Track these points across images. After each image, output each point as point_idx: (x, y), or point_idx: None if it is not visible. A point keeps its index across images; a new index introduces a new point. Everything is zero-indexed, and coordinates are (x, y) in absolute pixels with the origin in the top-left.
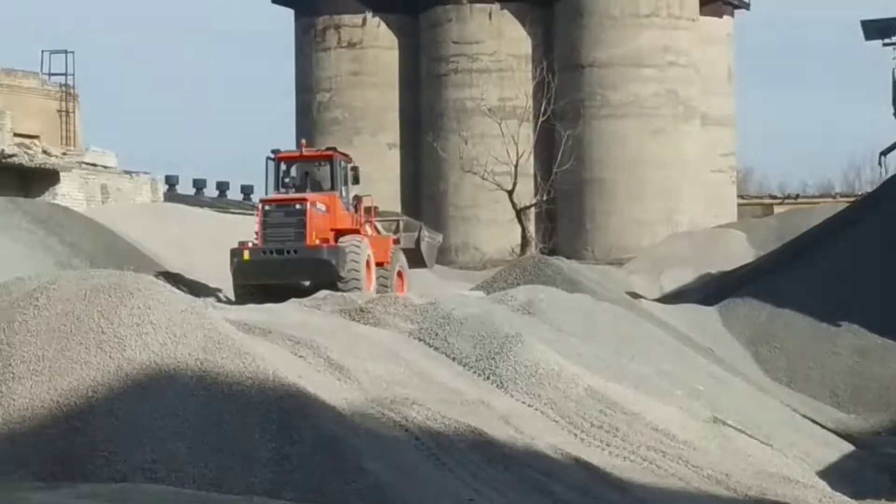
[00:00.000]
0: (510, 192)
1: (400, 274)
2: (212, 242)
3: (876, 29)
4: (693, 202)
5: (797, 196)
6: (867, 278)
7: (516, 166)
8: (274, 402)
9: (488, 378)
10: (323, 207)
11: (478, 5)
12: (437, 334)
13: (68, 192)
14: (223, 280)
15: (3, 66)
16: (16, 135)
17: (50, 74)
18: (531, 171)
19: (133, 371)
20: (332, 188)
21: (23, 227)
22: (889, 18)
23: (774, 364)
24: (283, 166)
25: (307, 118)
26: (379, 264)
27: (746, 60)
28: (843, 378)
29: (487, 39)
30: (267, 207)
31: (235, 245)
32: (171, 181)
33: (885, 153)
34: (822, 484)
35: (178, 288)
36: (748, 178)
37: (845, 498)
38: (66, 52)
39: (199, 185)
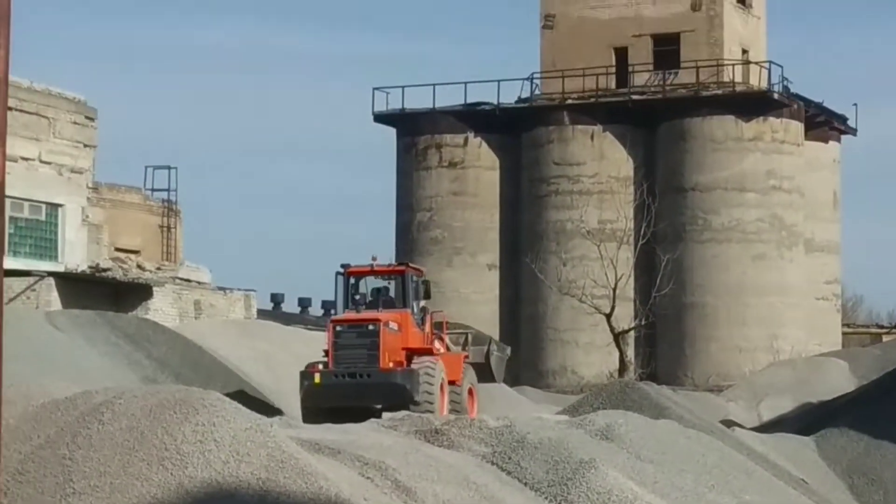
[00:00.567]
0: (608, 316)
1: (470, 391)
2: (298, 359)
3: None
4: (795, 329)
5: None
6: None
7: (615, 289)
8: None
9: None
10: (395, 326)
11: (580, 127)
12: (509, 458)
13: (161, 308)
14: None
15: (107, 181)
16: (117, 249)
17: (153, 190)
18: (630, 294)
19: (194, 489)
20: (404, 305)
21: (110, 342)
22: None
23: (871, 497)
24: (352, 281)
25: (407, 237)
26: (451, 382)
27: (853, 186)
28: None
29: (589, 161)
30: (338, 328)
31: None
32: (276, 299)
33: None
34: None
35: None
36: (857, 306)
37: None
38: (168, 167)
39: (304, 303)
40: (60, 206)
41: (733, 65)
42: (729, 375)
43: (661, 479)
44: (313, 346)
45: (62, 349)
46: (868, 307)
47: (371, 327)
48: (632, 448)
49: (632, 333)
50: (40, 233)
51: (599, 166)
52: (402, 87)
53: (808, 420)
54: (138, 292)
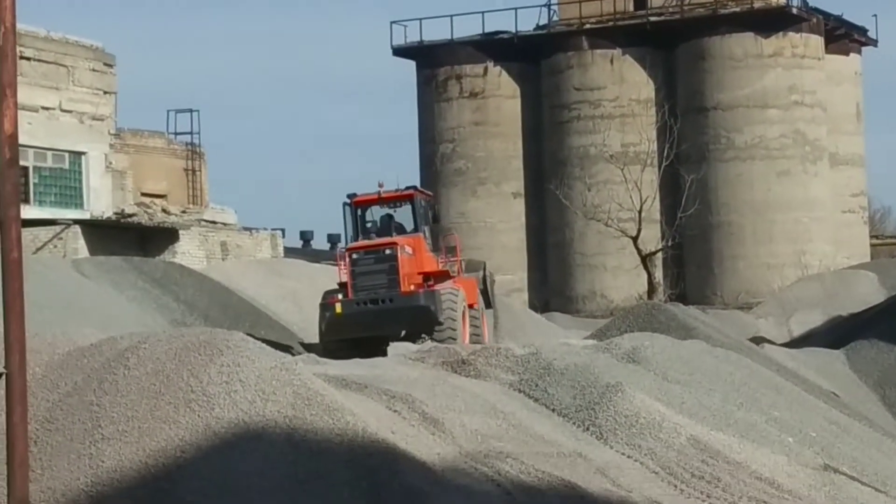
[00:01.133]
0: (635, 239)
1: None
2: None
3: None
4: (823, 244)
5: None
6: None
7: (640, 212)
8: (363, 459)
9: (588, 429)
10: (410, 251)
11: (599, 51)
12: (536, 385)
13: (188, 251)
14: None
15: (130, 126)
16: (143, 194)
17: (176, 134)
18: (656, 216)
19: (221, 430)
20: (416, 230)
21: (138, 287)
22: None
23: None
24: (360, 211)
25: (431, 169)
26: (469, 306)
27: (876, 97)
28: None
29: (609, 85)
30: (354, 256)
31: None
32: (305, 236)
33: None
34: None
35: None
36: (885, 218)
37: None
38: (190, 110)
39: (333, 239)
40: (83, 153)
41: None
42: (758, 293)
43: (689, 400)
44: None
45: (90, 296)
46: None
47: (388, 251)
48: (658, 370)
49: (659, 255)
50: (64, 181)
51: (620, 90)
52: (420, 19)
53: (838, 333)
54: (164, 236)
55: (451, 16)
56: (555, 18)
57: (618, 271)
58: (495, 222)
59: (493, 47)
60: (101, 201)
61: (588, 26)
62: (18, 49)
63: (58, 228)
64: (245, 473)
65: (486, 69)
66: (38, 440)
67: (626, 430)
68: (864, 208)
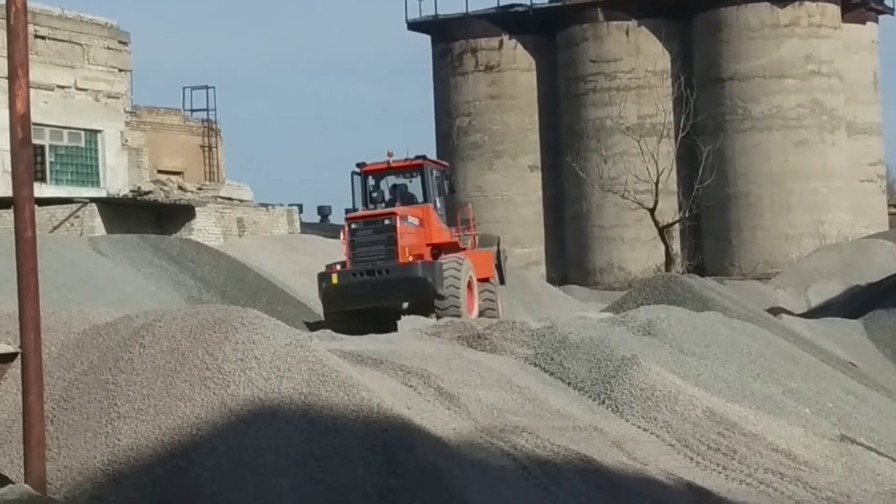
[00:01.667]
0: (652, 210)
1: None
2: None
3: None
4: (841, 213)
5: None
6: None
7: (657, 184)
8: (378, 434)
9: (603, 402)
10: (416, 222)
11: (614, 23)
12: (552, 359)
13: (204, 227)
14: None
15: (146, 104)
16: (159, 171)
17: (192, 111)
18: (673, 187)
19: (237, 407)
20: (426, 200)
21: (155, 264)
22: None
23: None
24: (370, 181)
25: (447, 143)
26: (484, 280)
27: (893, 66)
28: None
29: (625, 56)
30: (353, 226)
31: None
32: (323, 212)
33: None
34: None
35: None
36: None
37: None
38: (206, 87)
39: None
40: (99, 131)
41: None
42: (776, 263)
43: (705, 372)
44: None
45: (107, 274)
46: None
47: (387, 222)
48: (674, 342)
49: (677, 227)
50: (81, 159)
51: (636, 61)
52: None
53: (856, 303)
54: (181, 213)
55: None
56: None
57: (635, 243)
58: (512, 195)
59: (509, 20)
60: (117, 179)
61: None
62: (33, 28)
63: (74, 207)
64: (261, 450)
65: (501, 42)
66: (55, 419)
67: (642, 402)
68: (881, 177)
